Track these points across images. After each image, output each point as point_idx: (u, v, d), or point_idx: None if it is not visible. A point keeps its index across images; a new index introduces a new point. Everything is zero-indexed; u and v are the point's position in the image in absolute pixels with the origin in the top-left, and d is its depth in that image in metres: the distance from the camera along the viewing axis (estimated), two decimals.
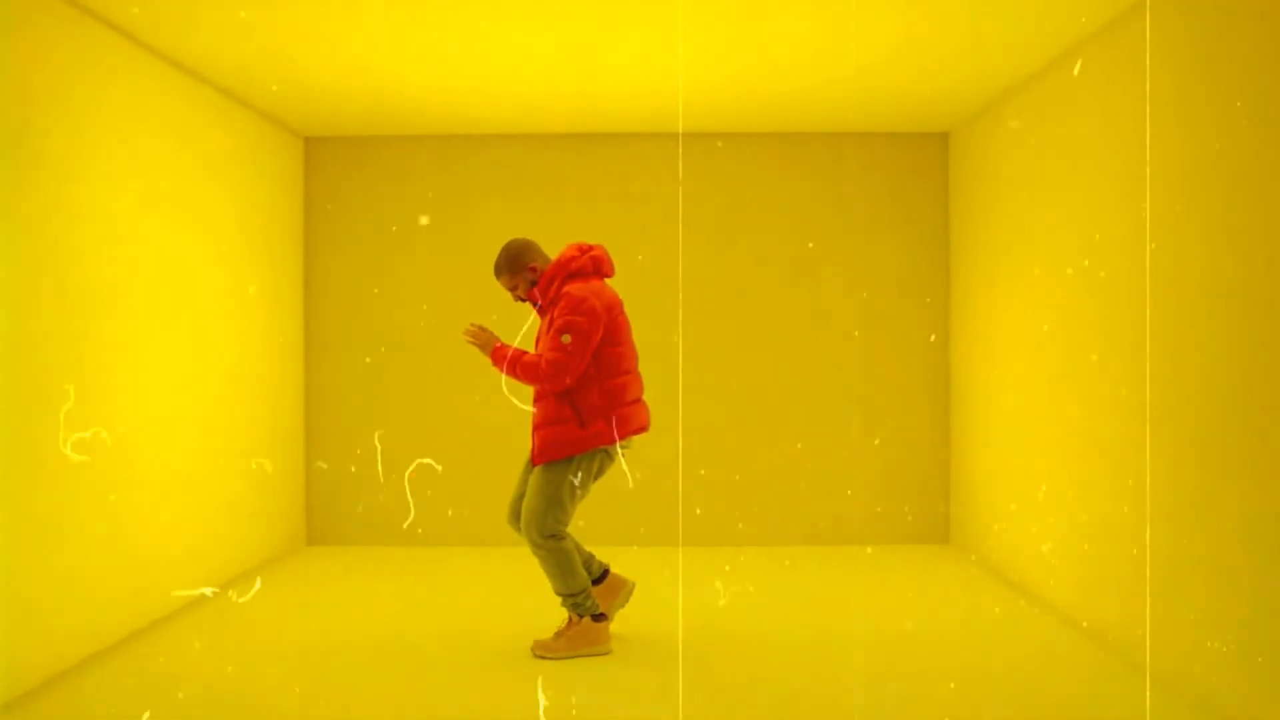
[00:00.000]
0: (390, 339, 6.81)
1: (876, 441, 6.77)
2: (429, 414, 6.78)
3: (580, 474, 4.28)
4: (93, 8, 4.29)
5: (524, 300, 4.44)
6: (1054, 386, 5.06)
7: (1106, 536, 4.48)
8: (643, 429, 4.43)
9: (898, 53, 4.99)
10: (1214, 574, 3.64)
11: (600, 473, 4.36)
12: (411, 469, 6.67)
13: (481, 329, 4.39)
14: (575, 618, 4.36)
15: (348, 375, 6.82)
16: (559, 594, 4.36)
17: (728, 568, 6.00)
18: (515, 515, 4.47)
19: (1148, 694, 3.87)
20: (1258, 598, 3.40)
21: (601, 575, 4.52)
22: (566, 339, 4.16)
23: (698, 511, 6.72)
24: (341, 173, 6.84)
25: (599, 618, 4.37)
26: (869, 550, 6.49)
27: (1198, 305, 3.76)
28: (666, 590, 5.40)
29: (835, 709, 3.73)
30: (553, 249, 4.67)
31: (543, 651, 4.32)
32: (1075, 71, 4.82)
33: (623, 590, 4.54)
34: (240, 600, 5.11)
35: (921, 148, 6.80)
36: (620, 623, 4.76)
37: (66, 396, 4.15)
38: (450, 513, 6.74)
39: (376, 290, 6.82)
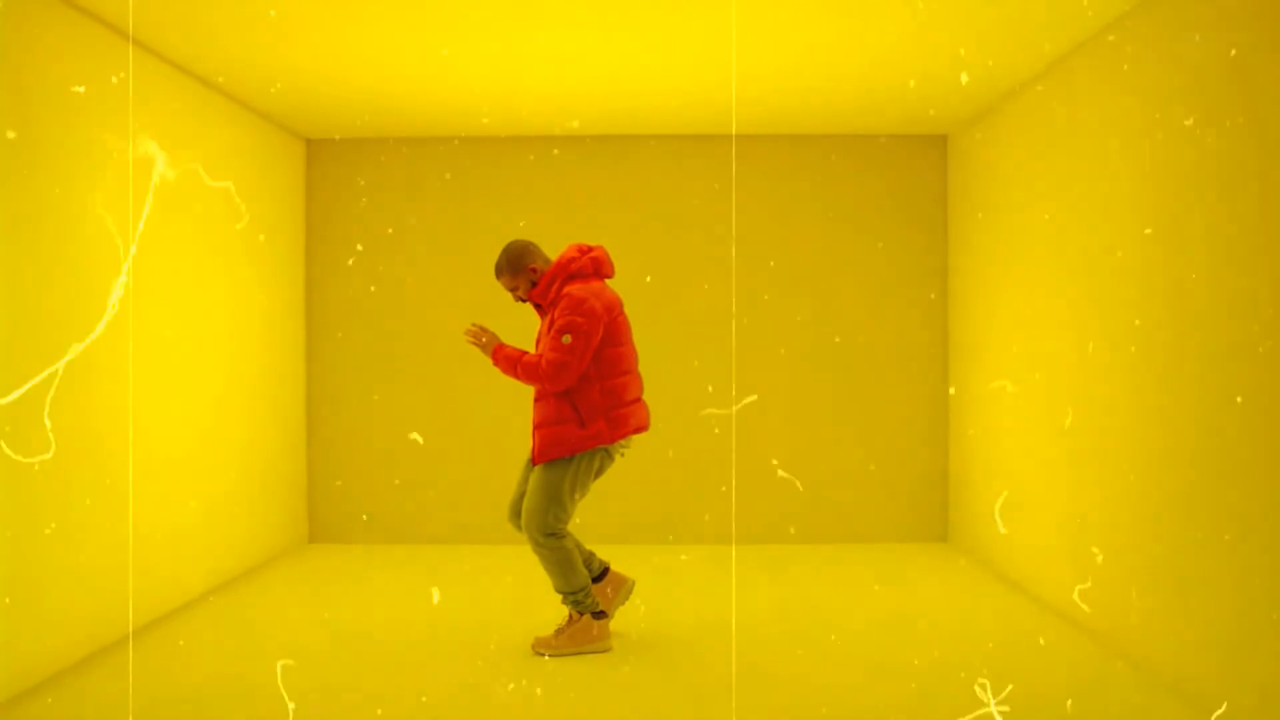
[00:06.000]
0: (392, 339, 6.83)
1: (876, 441, 6.77)
2: (430, 413, 6.80)
3: (580, 473, 4.30)
4: (93, 8, 4.30)
5: (525, 301, 4.45)
6: (1052, 386, 5.07)
7: (1105, 535, 4.48)
8: (642, 428, 4.44)
9: (898, 55, 5.00)
10: (1212, 572, 3.65)
11: (600, 472, 4.38)
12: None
13: (482, 329, 4.41)
14: (576, 615, 4.37)
15: (349, 375, 6.84)
16: (559, 592, 4.37)
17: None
18: (516, 514, 4.48)
19: (1147, 692, 3.88)
20: (1256, 596, 3.41)
21: (602, 573, 4.54)
22: (567, 339, 4.17)
23: (697, 510, 6.72)
24: (344, 175, 6.85)
25: (599, 615, 4.39)
26: (868, 549, 6.50)
27: (1196, 305, 3.77)
28: (667, 588, 5.41)
29: (834, 707, 3.74)
30: (554, 250, 4.68)
31: (543, 649, 4.33)
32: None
33: (623, 588, 4.55)
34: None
35: (921, 149, 6.81)
36: (620, 620, 4.77)
37: (66, 396, 4.16)
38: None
39: (378, 291, 6.83)
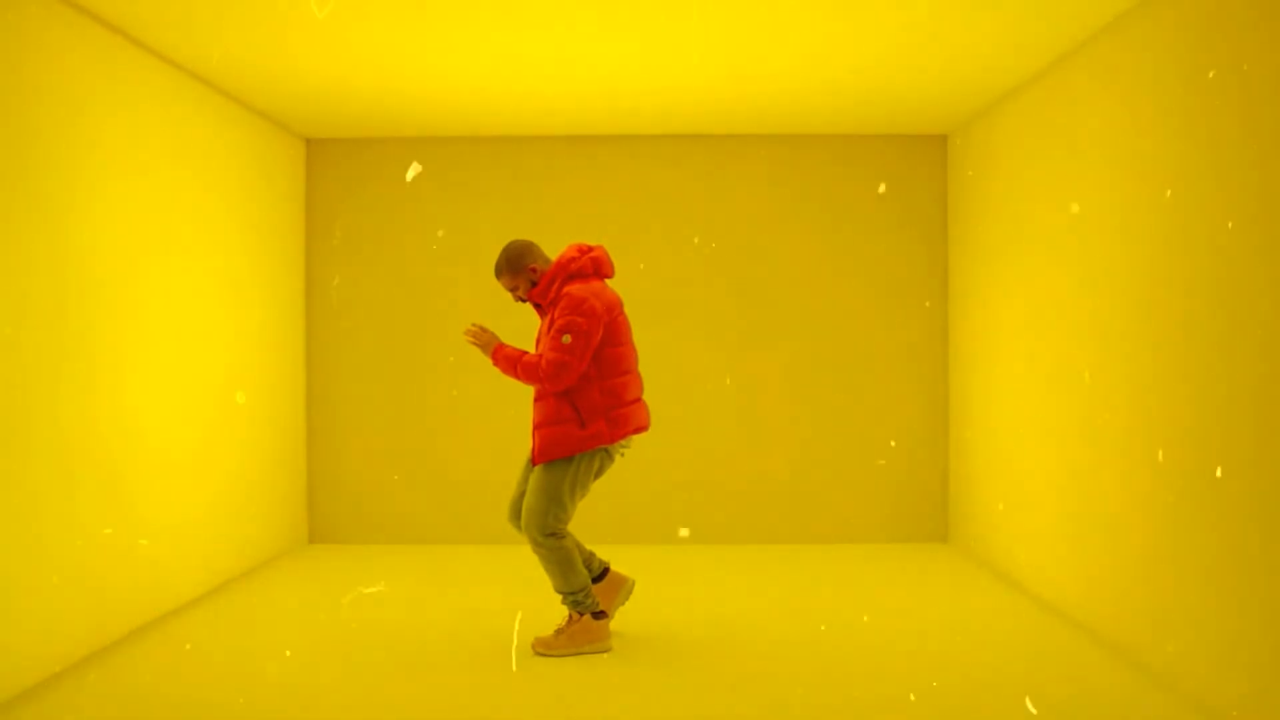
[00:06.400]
0: (391, 339, 6.83)
1: (876, 441, 6.77)
2: (430, 413, 6.80)
3: (580, 473, 4.30)
4: (92, 8, 4.30)
5: (524, 301, 4.46)
6: (1052, 385, 5.07)
7: (1104, 534, 4.49)
8: (642, 428, 4.44)
9: (897, 55, 5.01)
10: (1212, 572, 3.65)
11: (600, 472, 4.38)
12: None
13: (482, 329, 4.41)
14: (576, 615, 4.37)
15: (349, 375, 6.84)
16: (559, 592, 4.37)
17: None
18: (516, 514, 4.49)
19: (1147, 692, 3.88)
20: (1255, 596, 3.41)
21: (602, 573, 4.54)
22: (567, 339, 4.17)
23: (698, 510, 6.73)
24: (343, 174, 6.85)
25: (599, 615, 4.39)
26: (868, 549, 6.50)
27: (1196, 304, 3.77)
28: (667, 588, 5.41)
29: (834, 708, 3.74)
30: (554, 250, 4.68)
31: (544, 649, 4.33)
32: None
33: (623, 588, 4.55)
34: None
35: (920, 150, 6.81)
36: (620, 620, 4.77)
37: (67, 396, 4.16)
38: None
39: (378, 291, 6.83)
